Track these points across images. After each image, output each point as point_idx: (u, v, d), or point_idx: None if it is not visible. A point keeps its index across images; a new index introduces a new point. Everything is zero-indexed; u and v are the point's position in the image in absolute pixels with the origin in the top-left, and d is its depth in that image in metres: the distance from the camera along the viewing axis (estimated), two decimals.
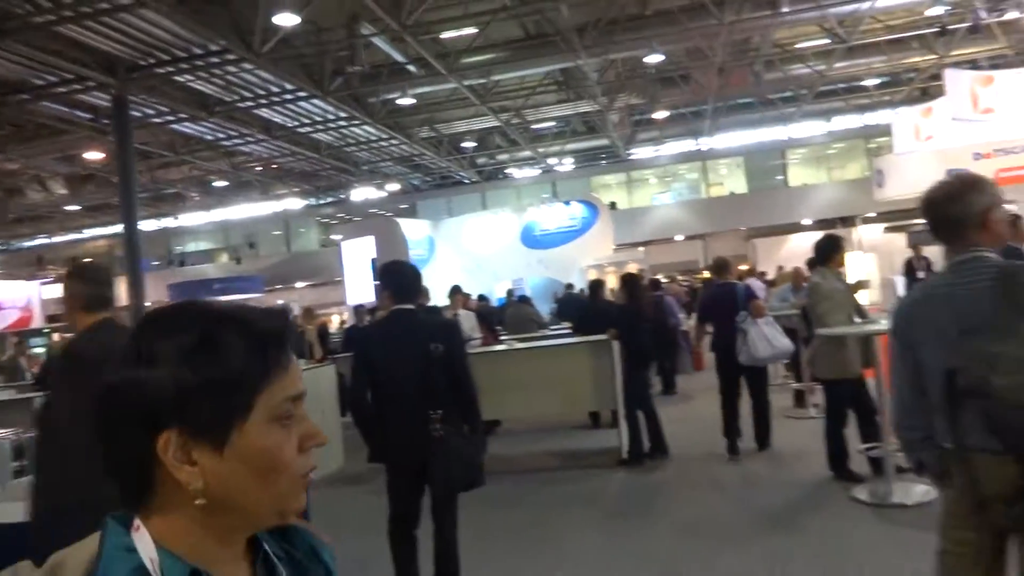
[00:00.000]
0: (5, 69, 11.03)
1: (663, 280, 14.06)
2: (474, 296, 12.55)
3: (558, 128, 20.96)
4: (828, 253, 4.93)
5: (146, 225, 26.79)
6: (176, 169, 19.82)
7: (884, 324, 4.96)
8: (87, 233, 25.76)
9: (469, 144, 20.33)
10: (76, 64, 10.86)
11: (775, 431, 6.05)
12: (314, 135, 16.56)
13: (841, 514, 4.34)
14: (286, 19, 9.77)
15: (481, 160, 23.18)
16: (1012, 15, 13.78)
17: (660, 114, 18.48)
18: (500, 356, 6.64)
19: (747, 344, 5.56)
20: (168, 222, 26.61)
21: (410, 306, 3.24)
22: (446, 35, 13.21)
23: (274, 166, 21.04)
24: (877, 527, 4.10)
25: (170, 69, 11.40)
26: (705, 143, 23.34)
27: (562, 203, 20.42)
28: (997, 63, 16.13)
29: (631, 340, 5.89)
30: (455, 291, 8.39)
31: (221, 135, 15.87)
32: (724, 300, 5.87)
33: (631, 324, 5.97)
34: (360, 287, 19.63)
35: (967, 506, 1.92)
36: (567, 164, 24.46)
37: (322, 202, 26.49)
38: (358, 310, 11.35)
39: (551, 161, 23.74)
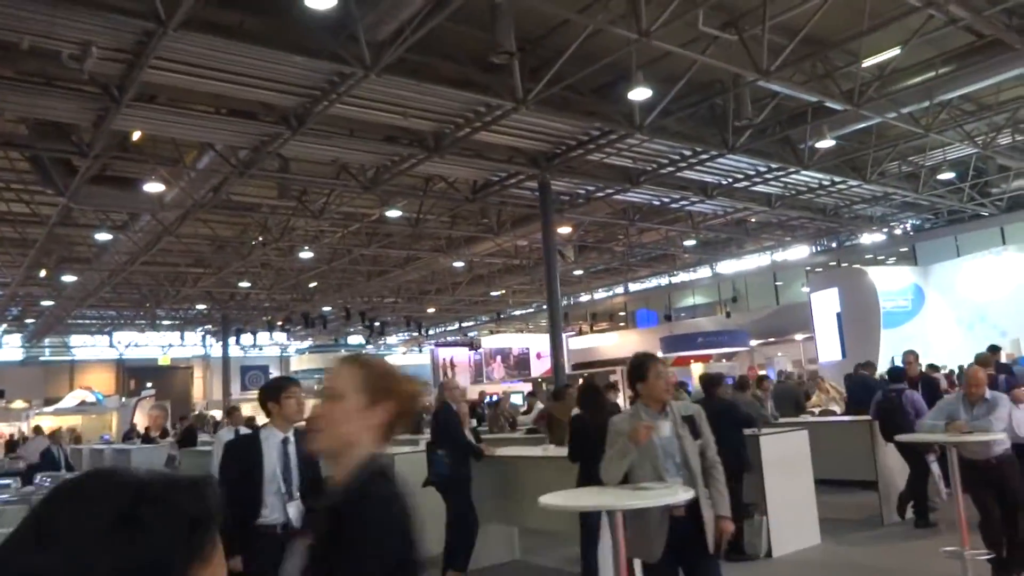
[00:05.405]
0: (467, 173, 13.97)
1: None
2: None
3: None
4: None
5: (654, 282, 29.52)
6: (655, 232, 21.42)
7: None
8: (599, 295, 29.48)
9: (945, 176, 17.16)
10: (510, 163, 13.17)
11: None
12: (753, 188, 16.21)
13: None
14: (640, 94, 10.19)
15: (996, 190, 19.20)
16: None
17: None
18: None
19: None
20: (669, 279, 28.73)
21: None
22: (868, 63, 11.78)
23: (753, 220, 21.06)
24: None
25: (579, 152, 12.77)
26: None
27: None
28: None
29: None
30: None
31: (666, 199, 16.78)
32: None
33: None
34: (828, 342, 18.22)
35: None
36: None
37: (815, 251, 25.23)
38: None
39: None
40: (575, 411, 5.63)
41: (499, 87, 10.13)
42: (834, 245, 24.47)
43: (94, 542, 0.60)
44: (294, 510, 3.79)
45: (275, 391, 3.95)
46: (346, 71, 9.06)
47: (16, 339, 36.68)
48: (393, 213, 15.97)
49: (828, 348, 17.63)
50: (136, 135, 12.05)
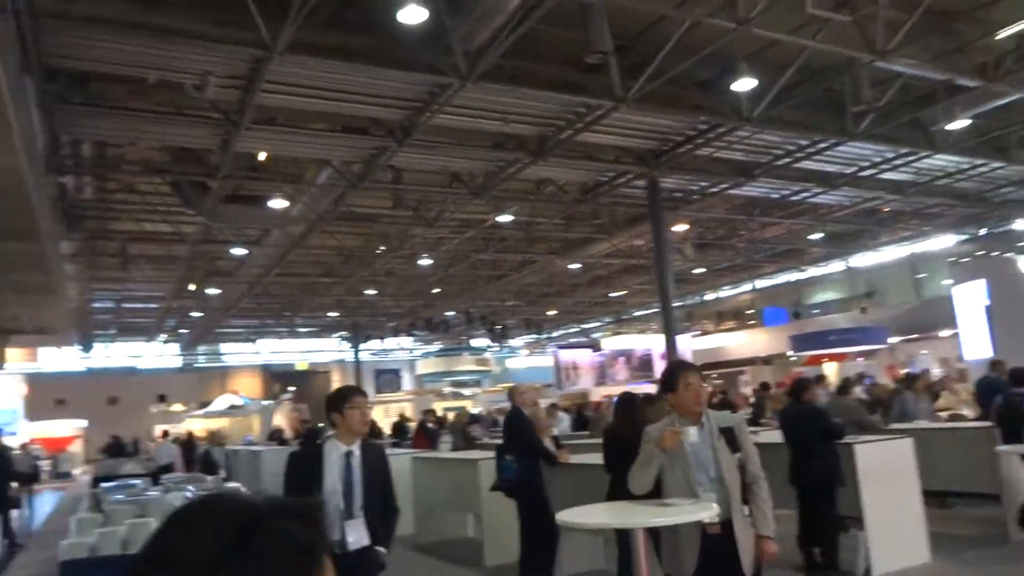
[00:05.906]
0: (575, 175, 13.92)
1: None
2: None
3: None
4: None
5: (783, 278, 28.29)
6: (778, 227, 20.52)
7: None
8: (724, 292, 28.51)
9: None
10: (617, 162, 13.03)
11: None
12: (881, 176, 15.17)
13: None
14: (745, 84, 9.80)
15: None
16: None
17: None
18: None
19: None
20: (798, 275, 27.37)
21: None
22: (1004, 34, 10.78)
23: (886, 210, 19.74)
24: None
25: (687, 147, 12.44)
26: None
27: None
28: None
29: None
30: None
31: (786, 192, 16.05)
32: None
33: None
34: (977, 339, 16.79)
35: None
36: None
37: (961, 240, 23.29)
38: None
39: None
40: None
41: (597, 87, 10.04)
42: (983, 232, 22.53)
43: (207, 568, 0.62)
44: (354, 530, 3.54)
45: (338, 401, 3.70)
46: (444, 82, 9.26)
47: (176, 348, 39.93)
48: (505, 218, 16.15)
49: (976, 345, 16.24)
50: (262, 155, 12.83)
